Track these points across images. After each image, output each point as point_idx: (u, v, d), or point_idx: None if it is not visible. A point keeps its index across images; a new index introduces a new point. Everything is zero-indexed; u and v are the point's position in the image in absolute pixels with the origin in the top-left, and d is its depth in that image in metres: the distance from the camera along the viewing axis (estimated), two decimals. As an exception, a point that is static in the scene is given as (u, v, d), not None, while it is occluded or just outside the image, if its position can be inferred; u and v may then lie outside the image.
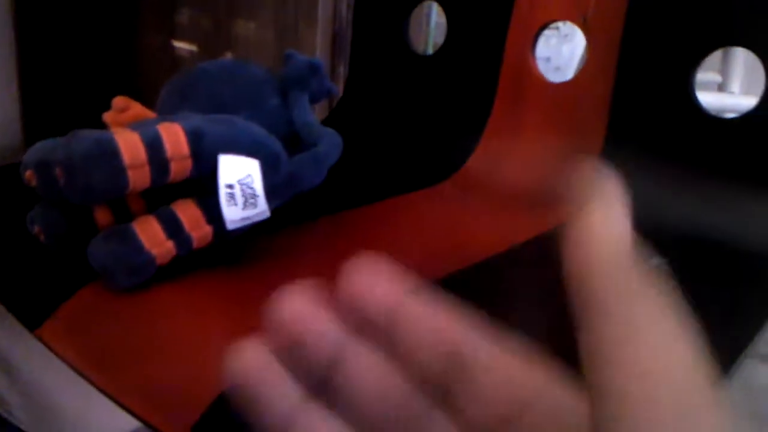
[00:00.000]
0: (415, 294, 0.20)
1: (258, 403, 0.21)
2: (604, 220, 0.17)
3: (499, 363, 0.19)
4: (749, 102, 0.56)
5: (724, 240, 0.50)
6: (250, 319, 0.40)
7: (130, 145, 0.39)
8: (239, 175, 0.42)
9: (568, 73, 1.29)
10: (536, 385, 0.18)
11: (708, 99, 0.58)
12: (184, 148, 0.41)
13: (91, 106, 0.56)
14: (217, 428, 0.33)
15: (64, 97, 0.97)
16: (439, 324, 0.19)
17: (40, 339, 0.43)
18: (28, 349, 0.45)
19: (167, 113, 0.52)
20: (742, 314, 0.45)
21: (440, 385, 0.19)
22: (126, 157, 0.39)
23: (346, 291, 0.20)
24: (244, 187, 0.42)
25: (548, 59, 1.33)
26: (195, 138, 0.42)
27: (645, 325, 0.16)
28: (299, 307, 0.21)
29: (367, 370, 0.20)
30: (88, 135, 0.39)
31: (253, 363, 0.21)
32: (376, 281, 0.20)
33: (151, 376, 0.38)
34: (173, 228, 0.42)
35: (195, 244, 0.43)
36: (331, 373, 0.20)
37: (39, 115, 0.96)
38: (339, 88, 0.85)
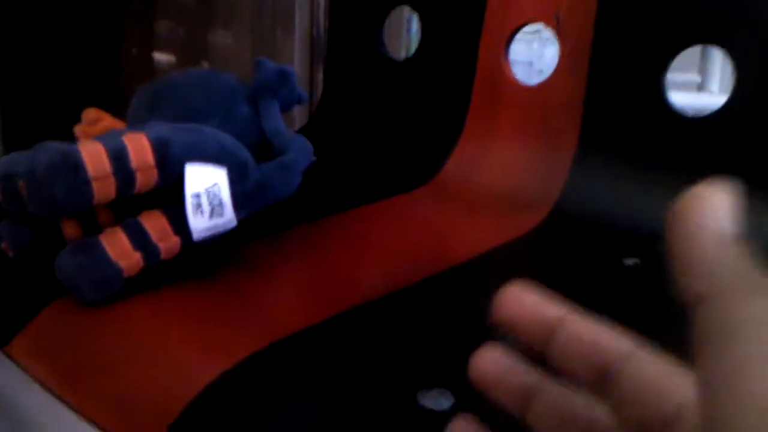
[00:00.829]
0: (567, 312, 0.21)
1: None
2: (708, 203, 0.16)
3: (646, 376, 0.19)
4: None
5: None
6: (219, 331, 0.40)
7: (94, 157, 0.39)
8: (206, 184, 0.42)
9: (550, 76, 1.29)
10: (685, 398, 0.18)
11: (687, 99, 0.58)
12: (149, 158, 0.41)
13: (72, 118, 0.56)
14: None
15: (44, 109, 0.96)
16: (590, 337, 0.21)
17: (9, 356, 0.42)
18: (5, 371, 0.45)
19: (137, 123, 0.51)
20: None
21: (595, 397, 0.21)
22: (90, 168, 0.39)
23: (501, 315, 0.22)
24: (210, 195, 0.42)
25: (531, 63, 1.33)
26: (160, 147, 0.41)
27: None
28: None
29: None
30: (52, 147, 0.39)
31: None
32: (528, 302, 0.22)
33: (120, 391, 0.38)
34: (140, 239, 0.42)
35: (163, 255, 0.43)
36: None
37: (19, 128, 0.95)
38: (318, 96, 0.85)
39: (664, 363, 0.19)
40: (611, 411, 0.20)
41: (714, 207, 0.16)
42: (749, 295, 0.15)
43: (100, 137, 0.43)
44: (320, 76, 0.96)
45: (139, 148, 0.41)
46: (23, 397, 0.80)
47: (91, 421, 0.37)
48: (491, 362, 0.23)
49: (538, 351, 0.21)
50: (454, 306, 0.45)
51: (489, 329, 0.22)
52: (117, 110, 0.56)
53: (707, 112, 0.57)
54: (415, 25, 1.05)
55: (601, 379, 0.20)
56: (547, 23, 0.64)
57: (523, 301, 0.22)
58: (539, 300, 0.22)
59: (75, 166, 0.39)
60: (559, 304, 0.22)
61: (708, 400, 0.15)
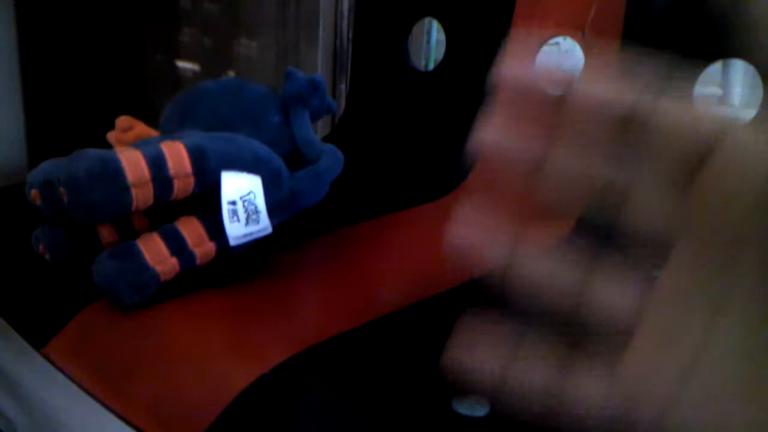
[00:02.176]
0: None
1: None
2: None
3: (677, 111, 0.19)
4: (750, 115, 0.56)
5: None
6: (254, 336, 0.41)
7: (133, 164, 0.40)
8: (241, 192, 0.43)
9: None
10: (718, 129, 0.18)
11: (708, 111, 0.58)
12: (187, 165, 0.42)
13: (96, 126, 0.56)
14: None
15: (68, 117, 0.97)
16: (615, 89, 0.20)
17: (46, 357, 0.43)
18: (34, 368, 0.45)
19: (169, 132, 0.52)
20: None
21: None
22: (130, 175, 0.40)
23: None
24: (246, 203, 0.43)
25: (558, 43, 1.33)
26: (197, 155, 0.42)
27: None
28: None
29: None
30: (92, 154, 0.40)
31: None
32: None
33: (156, 393, 0.38)
34: (177, 245, 0.42)
35: (198, 260, 0.43)
36: None
37: (44, 135, 0.96)
38: (340, 106, 0.86)
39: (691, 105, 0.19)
40: (637, 162, 0.19)
41: None
42: None
43: (137, 144, 0.44)
44: (343, 86, 0.96)
45: (176, 156, 0.42)
46: (59, 398, 0.81)
47: (126, 422, 0.38)
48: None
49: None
50: (484, 315, 0.45)
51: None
52: (142, 118, 0.56)
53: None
54: (435, 36, 1.05)
55: (623, 129, 0.19)
56: (573, 37, 0.65)
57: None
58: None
59: (115, 173, 0.39)
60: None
61: None
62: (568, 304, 0.22)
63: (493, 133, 0.22)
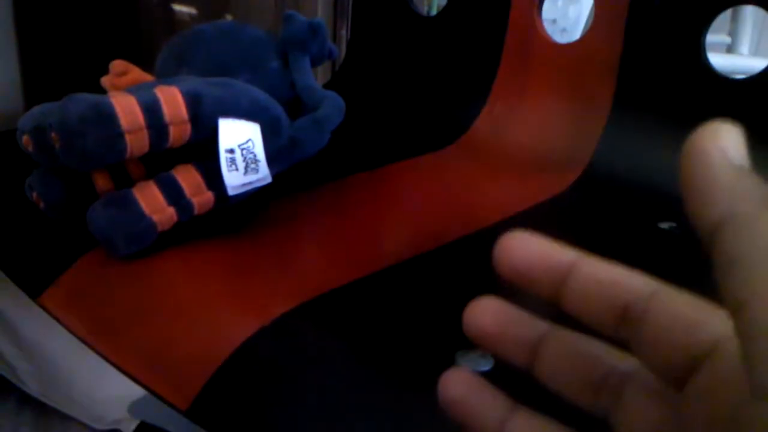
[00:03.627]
0: (579, 256, 0.20)
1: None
2: (718, 136, 0.16)
3: (674, 311, 0.18)
4: (759, 63, 0.55)
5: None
6: (253, 287, 0.40)
7: (127, 109, 0.38)
8: (240, 140, 0.41)
9: (575, 35, 1.27)
10: (717, 332, 0.17)
11: (717, 61, 0.57)
12: (183, 112, 0.40)
13: (92, 70, 0.55)
14: (220, 397, 0.33)
15: (64, 61, 0.95)
16: (608, 278, 0.20)
17: (43, 306, 0.42)
18: (37, 318, 0.45)
19: (165, 77, 0.51)
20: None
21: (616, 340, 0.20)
22: (123, 121, 0.38)
23: (506, 260, 0.21)
24: (244, 152, 0.41)
25: (554, 21, 1.31)
26: (193, 101, 0.41)
27: None
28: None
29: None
30: (84, 98, 0.38)
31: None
32: (536, 247, 0.21)
33: (154, 344, 0.38)
34: (174, 194, 0.41)
35: (196, 210, 0.42)
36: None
37: (39, 79, 0.95)
38: (341, 51, 0.84)
39: (692, 299, 0.18)
40: (634, 354, 0.19)
41: (727, 140, 0.16)
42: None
43: (131, 89, 0.42)
44: (344, 32, 0.94)
45: (172, 101, 0.40)
46: (57, 346, 0.81)
47: (124, 372, 0.38)
48: (490, 314, 0.22)
49: (547, 298, 0.20)
50: (487, 267, 0.45)
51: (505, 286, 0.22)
52: (137, 62, 0.55)
53: (743, 75, 0.56)
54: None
55: (620, 322, 0.19)
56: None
57: (531, 246, 0.21)
58: (548, 245, 0.21)
59: (108, 118, 0.38)
60: (570, 249, 0.20)
61: (745, 323, 0.14)
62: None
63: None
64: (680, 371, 0.18)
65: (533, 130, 0.63)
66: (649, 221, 0.50)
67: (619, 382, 0.20)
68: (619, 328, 0.19)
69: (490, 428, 0.22)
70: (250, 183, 0.42)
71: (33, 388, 0.85)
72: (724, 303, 0.15)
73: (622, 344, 0.20)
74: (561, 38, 0.64)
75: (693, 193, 0.16)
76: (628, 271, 0.20)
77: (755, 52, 1.33)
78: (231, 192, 0.42)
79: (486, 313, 0.22)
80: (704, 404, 0.17)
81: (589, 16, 1.24)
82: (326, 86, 0.77)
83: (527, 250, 0.21)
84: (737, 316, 0.15)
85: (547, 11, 0.67)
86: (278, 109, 0.45)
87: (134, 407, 0.80)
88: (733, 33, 1.31)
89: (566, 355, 0.21)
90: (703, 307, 0.18)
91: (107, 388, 0.82)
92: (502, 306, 0.22)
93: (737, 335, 0.15)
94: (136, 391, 0.38)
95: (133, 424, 0.80)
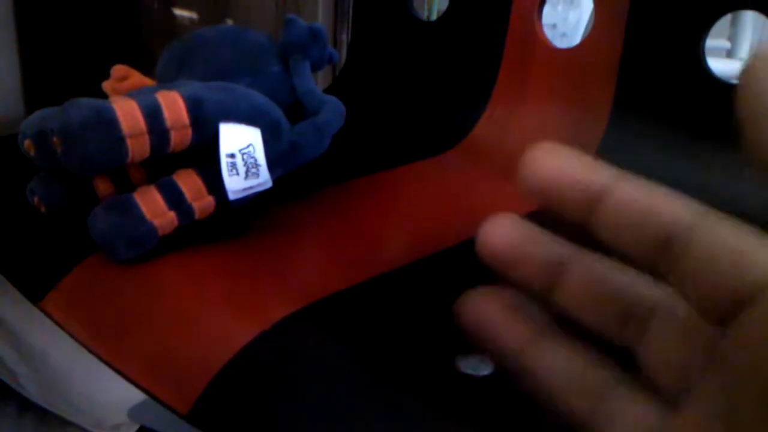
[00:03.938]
0: (616, 176, 0.18)
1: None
2: None
3: (722, 242, 0.16)
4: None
5: (735, 207, 0.49)
6: (254, 291, 0.40)
7: (128, 114, 0.39)
8: (240, 144, 0.41)
9: (575, 40, 1.27)
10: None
11: (717, 65, 0.57)
12: (184, 116, 0.40)
13: (93, 74, 0.55)
14: (220, 401, 0.33)
15: (65, 66, 0.95)
16: (648, 203, 0.18)
17: (44, 311, 0.43)
18: (37, 322, 0.45)
19: (166, 81, 0.51)
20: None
21: (652, 272, 0.18)
22: (124, 126, 0.38)
23: (534, 174, 0.19)
24: (245, 156, 0.42)
25: (554, 26, 1.31)
26: (195, 106, 0.41)
27: None
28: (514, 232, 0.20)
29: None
30: (85, 103, 0.39)
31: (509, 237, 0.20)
32: (569, 162, 0.19)
33: (154, 348, 0.38)
34: (175, 198, 0.41)
35: (197, 214, 0.42)
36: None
37: (40, 85, 0.95)
38: (341, 56, 0.84)
39: (743, 229, 0.16)
40: (672, 286, 0.18)
41: None
42: None
43: (132, 94, 0.42)
44: (344, 36, 0.94)
45: (173, 106, 0.40)
46: (55, 350, 0.81)
47: (125, 376, 0.38)
48: (506, 232, 0.20)
49: (576, 221, 0.18)
50: (487, 272, 0.45)
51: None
52: (138, 67, 0.55)
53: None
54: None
55: (658, 252, 0.17)
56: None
57: (561, 160, 0.19)
58: (581, 159, 0.18)
59: (109, 123, 0.38)
60: (607, 168, 0.18)
61: None
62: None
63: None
64: (725, 309, 0.16)
65: (533, 135, 0.63)
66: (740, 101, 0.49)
67: (647, 314, 0.18)
68: (657, 258, 0.17)
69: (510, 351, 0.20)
70: (250, 187, 0.42)
71: (33, 392, 0.85)
72: None
73: (655, 274, 0.18)
74: (561, 43, 0.65)
75: (754, 123, 0.15)
76: (671, 196, 0.17)
77: (755, 56, 1.33)
78: (232, 196, 0.42)
79: (501, 232, 0.20)
80: (747, 350, 0.15)
81: (589, 21, 1.24)
82: (327, 91, 0.77)
83: (557, 163, 0.19)
84: None
85: (547, 16, 0.67)
86: (279, 114, 0.45)
87: (134, 412, 0.80)
88: (733, 38, 1.32)
89: (591, 282, 0.19)
90: (754, 240, 0.16)
91: (107, 393, 0.82)
92: (520, 223, 0.20)
93: None
94: (136, 396, 0.38)
95: (133, 429, 0.80)
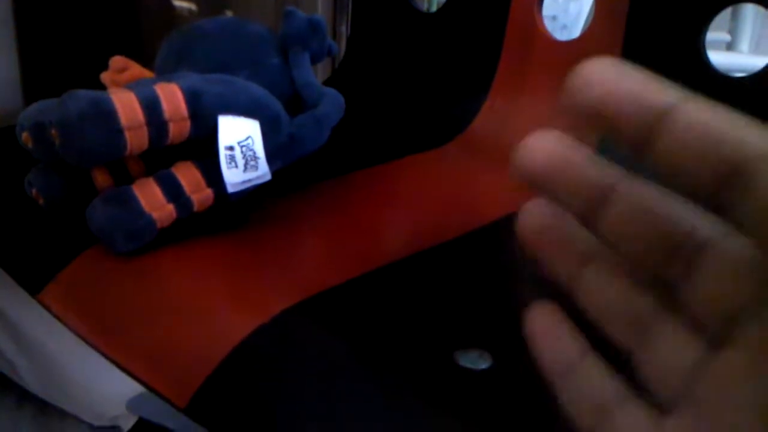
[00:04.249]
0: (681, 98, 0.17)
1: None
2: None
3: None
4: (758, 61, 0.54)
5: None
6: (252, 285, 0.40)
7: (126, 106, 0.38)
8: (239, 137, 0.41)
9: (575, 32, 1.27)
10: None
11: (717, 58, 0.56)
12: (183, 108, 0.40)
13: (92, 66, 0.55)
14: (218, 394, 0.33)
15: (63, 58, 0.95)
16: (718, 129, 0.16)
17: (42, 303, 0.42)
18: (36, 314, 0.45)
19: (165, 73, 0.50)
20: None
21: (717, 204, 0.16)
22: (123, 118, 0.38)
23: (586, 91, 0.17)
24: (244, 149, 0.41)
25: (554, 18, 1.31)
26: (193, 98, 0.41)
27: None
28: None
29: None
30: (84, 95, 0.38)
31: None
32: (626, 78, 0.17)
33: (153, 341, 0.38)
34: (174, 191, 0.41)
35: (196, 207, 0.42)
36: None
37: (39, 76, 0.94)
38: (341, 48, 0.84)
39: None
40: (736, 223, 0.16)
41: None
42: None
43: (131, 86, 0.42)
44: (344, 28, 0.94)
45: (172, 98, 0.40)
46: (54, 342, 0.81)
47: (123, 369, 0.38)
48: (548, 148, 0.19)
49: (633, 146, 0.17)
50: (487, 266, 0.45)
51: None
52: (137, 58, 0.55)
53: (742, 73, 0.55)
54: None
55: (723, 184, 0.16)
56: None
57: (622, 77, 0.17)
58: (642, 76, 0.17)
59: (107, 115, 0.38)
60: (671, 89, 0.17)
61: None
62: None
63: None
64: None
65: (533, 127, 0.62)
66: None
67: (697, 249, 0.17)
68: (721, 190, 0.16)
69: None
70: (249, 180, 0.42)
71: (32, 384, 0.85)
72: None
73: (715, 208, 0.16)
74: (561, 35, 0.64)
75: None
76: (743, 124, 0.16)
77: (755, 50, 1.33)
78: (230, 189, 0.42)
79: (543, 146, 0.19)
80: None
81: (589, 13, 1.24)
82: (326, 83, 0.77)
83: (615, 79, 0.17)
84: None
85: (548, 8, 0.67)
86: (278, 106, 0.45)
87: (133, 404, 0.80)
88: (733, 31, 1.31)
89: (639, 211, 0.18)
90: None
91: (106, 385, 0.82)
92: (565, 139, 0.19)
93: None
94: (135, 388, 0.38)
95: (132, 421, 0.80)
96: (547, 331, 0.21)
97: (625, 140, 0.17)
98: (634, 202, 0.18)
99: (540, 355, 0.21)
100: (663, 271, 0.18)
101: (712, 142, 0.16)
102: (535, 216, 0.20)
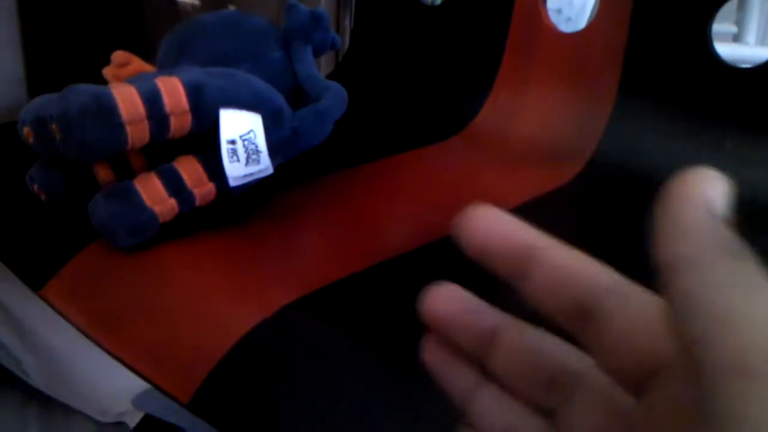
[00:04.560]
0: (543, 240, 0.19)
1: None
2: (701, 182, 0.16)
3: (637, 310, 0.17)
4: (765, 53, 0.54)
5: (741, 191, 0.49)
6: (255, 279, 0.40)
7: (127, 100, 0.38)
8: (241, 131, 0.41)
9: (580, 24, 1.26)
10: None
11: (723, 50, 0.56)
12: (184, 102, 0.40)
13: (95, 61, 0.55)
14: (222, 390, 0.33)
15: (67, 53, 0.95)
16: (572, 268, 0.18)
17: (44, 299, 0.42)
18: (41, 310, 0.45)
19: (167, 68, 0.50)
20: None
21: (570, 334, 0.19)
22: (123, 112, 0.38)
23: (468, 237, 0.20)
24: (246, 142, 0.41)
25: (559, 11, 1.30)
26: (194, 92, 0.40)
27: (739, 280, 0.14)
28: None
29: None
30: (84, 89, 0.38)
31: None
32: (500, 225, 0.20)
33: (156, 336, 0.37)
34: (175, 185, 0.41)
35: (198, 201, 0.42)
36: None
37: (43, 71, 0.94)
38: (344, 42, 0.83)
39: (657, 303, 0.17)
40: (589, 353, 0.19)
41: (706, 186, 0.16)
42: (729, 260, 0.15)
43: (132, 80, 0.42)
44: (347, 22, 0.93)
45: (173, 92, 0.40)
46: (59, 338, 0.81)
47: (126, 364, 0.37)
48: (446, 301, 0.21)
49: (511, 281, 0.19)
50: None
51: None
52: (140, 53, 0.55)
53: (748, 64, 0.55)
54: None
55: (579, 320, 0.18)
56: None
57: (494, 223, 0.19)
58: (512, 223, 0.19)
59: (108, 109, 0.38)
60: (535, 231, 0.19)
61: (696, 361, 0.14)
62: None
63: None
64: (634, 380, 0.17)
65: (537, 121, 0.62)
66: (654, 212, 0.49)
67: (571, 381, 0.19)
68: (580, 326, 0.18)
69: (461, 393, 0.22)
70: (251, 174, 0.42)
71: (37, 381, 0.85)
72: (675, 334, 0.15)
73: (579, 343, 0.19)
74: (566, 28, 0.64)
75: (659, 227, 0.16)
76: (592, 264, 0.19)
77: (762, 41, 1.32)
78: (232, 183, 0.41)
79: (441, 299, 0.22)
80: (652, 422, 0.16)
81: (594, 6, 1.23)
82: (329, 77, 0.77)
83: (490, 226, 0.20)
84: (686, 353, 0.14)
85: (552, 1, 0.66)
86: (280, 100, 0.45)
87: (138, 400, 0.80)
88: (740, 22, 1.30)
89: (520, 349, 0.20)
90: (658, 317, 0.17)
91: (112, 381, 0.82)
92: (460, 293, 0.22)
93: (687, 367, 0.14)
94: (141, 384, 0.38)
95: (138, 417, 0.80)
96: (442, 362, 0.22)
97: (504, 277, 0.19)
98: (516, 343, 0.20)
99: (452, 331, 0.22)
100: (544, 400, 0.20)
101: (565, 282, 0.18)
102: (444, 306, 0.22)
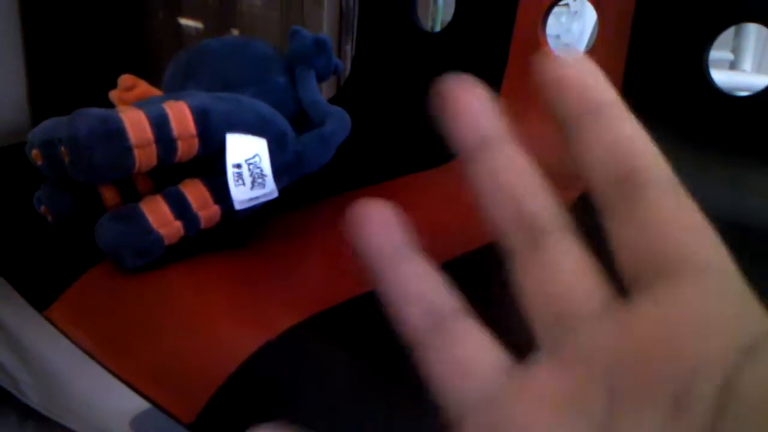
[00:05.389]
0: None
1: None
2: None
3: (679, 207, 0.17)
4: (761, 80, 0.55)
5: (737, 218, 0.49)
6: (259, 301, 0.40)
7: (135, 124, 0.39)
8: (246, 155, 0.42)
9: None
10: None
11: (720, 77, 0.57)
12: (191, 127, 0.41)
13: (99, 85, 0.55)
14: (225, 411, 0.33)
15: (71, 76, 0.96)
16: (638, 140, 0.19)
17: (49, 320, 0.43)
18: (39, 329, 0.45)
19: (172, 91, 0.51)
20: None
21: None
22: (132, 135, 0.39)
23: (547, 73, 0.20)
24: (251, 166, 0.42)
25: (558, 37, 1.31)
26: (201, 116, 0.41)
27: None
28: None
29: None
30: (93, 113, 0.39)
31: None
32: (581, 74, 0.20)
33: (160, 358, 0.38)
34: (181, 208, 0.42)
35: (203, 224, 0.43)
36: None
37: (46, 94, 0.95)
38: (346, 67, 0.84)
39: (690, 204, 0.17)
40: (611, 226, 0.18)
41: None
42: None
43: (140, 104, 0.43)
44: (349, 47, 0.95)
45: (180, 117, 0.40)
46: (62, 359, 0.81)
47: (130, 386, 0.38)
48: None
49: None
50: (494, 283, 0.45)
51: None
52: (144, 76, 0.55)
53: (745, 92, 0.56)
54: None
55: (621, 189, 0.17)
56: (586, -3, 0.63)
57: (577, 69, 0.19)
58: (596, 74, 0.20)
59: (117, 133, 0.39)
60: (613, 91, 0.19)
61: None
62: None
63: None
64: (644, 271, 0.16)
65: (536, 147, 0.63)
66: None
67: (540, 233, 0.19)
68: (614, 192, 0.18)
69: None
70: (256, 197, 0.42)
71: (34, 400, 0.85)
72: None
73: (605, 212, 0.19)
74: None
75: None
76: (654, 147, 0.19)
77: (758, 69, 1.34)
78: (237, 206, 0.42)
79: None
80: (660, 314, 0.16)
81: (592, 32, 1.24)
82: (331, 101, 0.78)
83: (568, 72, 0.19)
84: None
85: (551, 27, 0.67)
86: (285, 124, 0.45)
87: (137, 421, 0.79)
88: (736, 50, 1.32)
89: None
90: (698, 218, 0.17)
91: (109, 402, 0.82)
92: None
93: None
94: (139, 405, 0.38)
95: (136, 438, 0.80)
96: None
97: (560, 122, 0.20)
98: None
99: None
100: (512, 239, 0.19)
101: (631, 149, 0.18)
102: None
